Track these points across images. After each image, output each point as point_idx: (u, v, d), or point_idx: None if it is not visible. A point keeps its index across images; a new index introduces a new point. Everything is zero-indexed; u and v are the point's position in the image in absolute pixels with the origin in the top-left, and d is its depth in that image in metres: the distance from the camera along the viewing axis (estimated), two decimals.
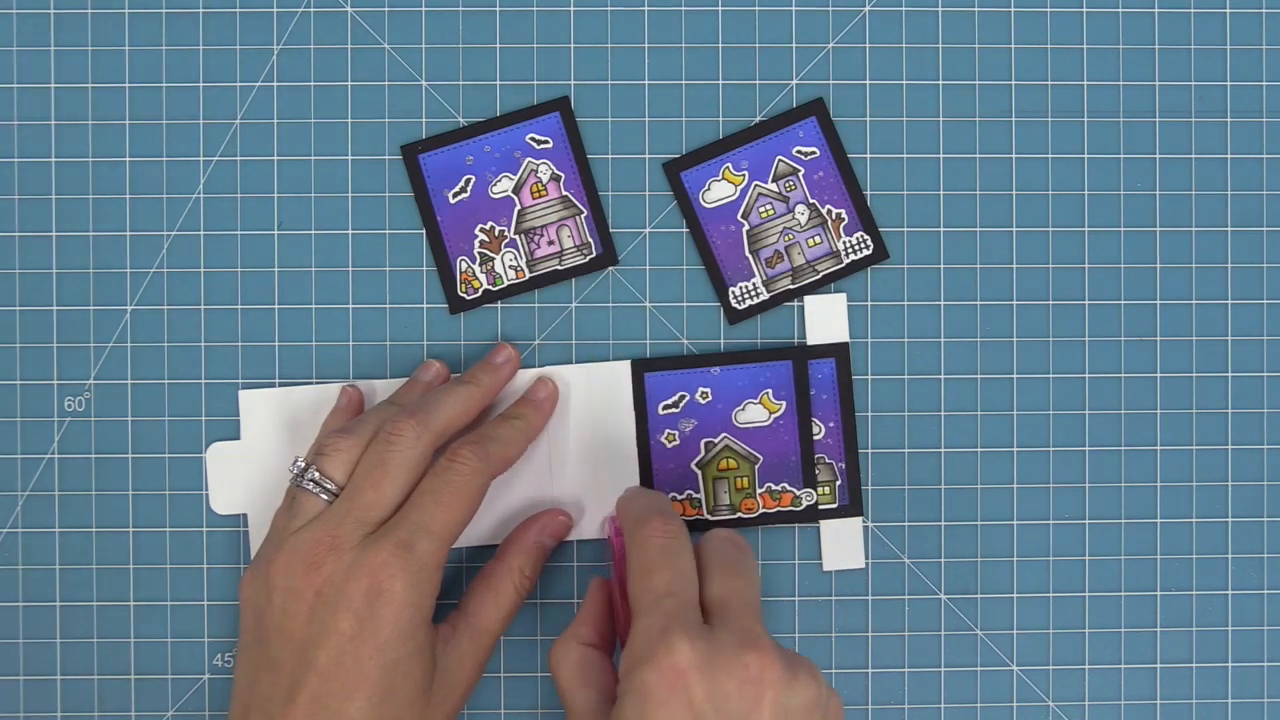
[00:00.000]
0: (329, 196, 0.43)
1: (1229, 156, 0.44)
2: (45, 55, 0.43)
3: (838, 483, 0.43)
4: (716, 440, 0.43)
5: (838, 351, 0.43)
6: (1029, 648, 0.43)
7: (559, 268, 0.43)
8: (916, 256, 0.43)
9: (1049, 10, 0.43)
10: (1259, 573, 0.43)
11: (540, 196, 0.43)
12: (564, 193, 0.43)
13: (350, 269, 0.43)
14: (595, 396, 0.43)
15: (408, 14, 0.43)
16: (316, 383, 0.43)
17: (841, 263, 0.43)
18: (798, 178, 0.43)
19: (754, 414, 0.43)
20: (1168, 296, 0.43)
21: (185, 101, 0.43)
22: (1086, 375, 0.43)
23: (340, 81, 0.43)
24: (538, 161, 0.43)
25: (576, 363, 0.43)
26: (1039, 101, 0.43)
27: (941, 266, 0.43)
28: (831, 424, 0.43)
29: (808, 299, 0.43)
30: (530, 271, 0.43)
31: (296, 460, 0.39)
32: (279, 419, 0.43)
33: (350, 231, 0.43)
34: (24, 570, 0.43)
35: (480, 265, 0.43)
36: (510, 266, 0.43)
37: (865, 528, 0.43)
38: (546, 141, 0.43)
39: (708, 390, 0.43)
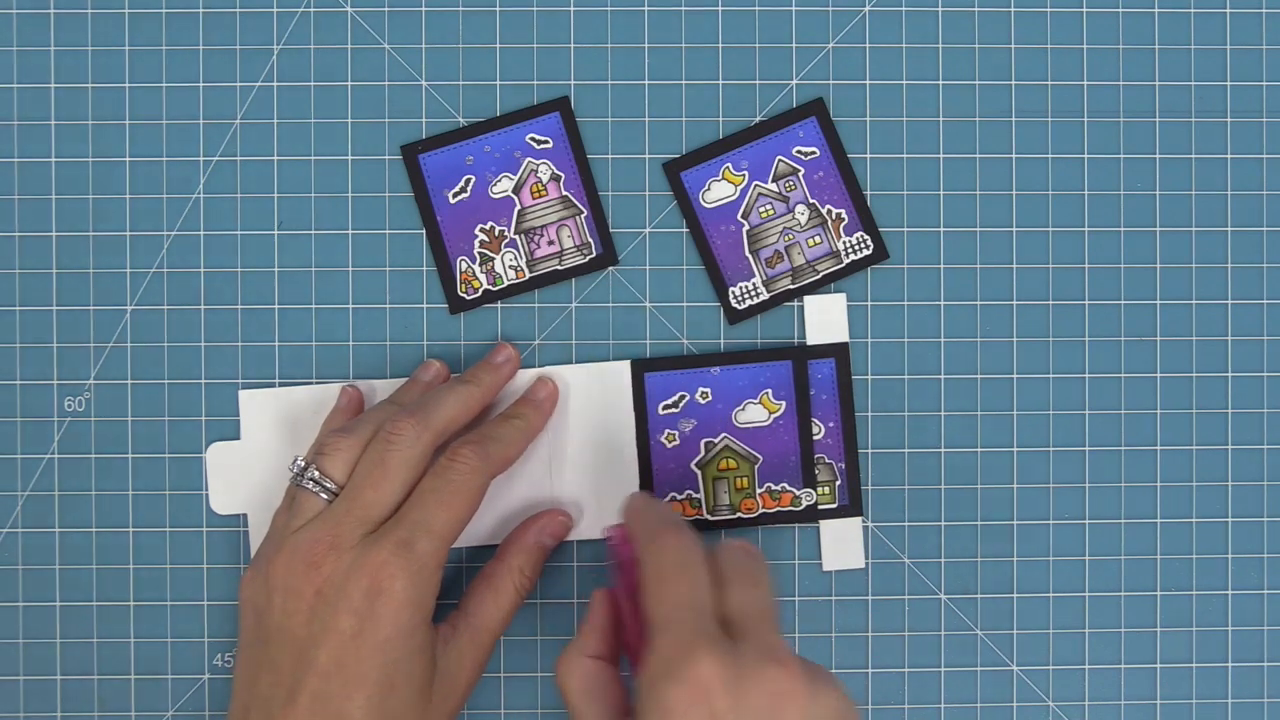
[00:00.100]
0: (329, 196, 0.43)
1: (1229, 156, 0.44)
2: (45, 55, 0.43)
3: (837, 483, 0.43)
4: (716, 440, 0.43)
5: (838, 351, 0.43)
6: (1029, 648, 0.43)
7: (559, 268, 0.43)
8: (916, 256, 0.43)
9: (1049, 10, 0.43)
10: (1259, 573, 0.43)
11: (540, 196, 0.43)
12: (564, 193, 0.43)
13: (350, 269, 0.43)
14: (595, 396, 0.43)
15: (408, 14, 0.43)
16: (316, 383, 0.43)
17: (841, 263, 0.43)
18: (798, 178, 0.43)
19: (754, 414, 0.43)
20: (1168, 296, 0.43)
21: (185, 101, 0.43)
22: (1086, 375, 0.43)
23: (340, 81, 0.43)
24: (538, 161, 0.43)
25: (576, 363, 0.43)
26: (1039, 101, 0.43)
27: (941, 266, 0.43)
28: (831, 424, 0.43)
29: (808, 299, 0.43)
30: (530, 271, 0.43)
31: (296, 459, 0.39)
32: (279, 419, 0.43)
33: (350, 231, 0.43)
34: (24, 570, 0.43)
35: (480, 265, 0.43)
36: (510, 266, 0.43)
37: (865, 528, 0.43)
38: (546, 141, 0.43)
39: (708, 390, 0.43)
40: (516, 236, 0.43)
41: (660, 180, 0.43)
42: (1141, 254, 0.43)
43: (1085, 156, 0.43)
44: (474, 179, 0.43)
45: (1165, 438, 0.43)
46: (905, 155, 0.43)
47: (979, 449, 0.43)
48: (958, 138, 0.43)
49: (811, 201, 0.43)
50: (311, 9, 0.43)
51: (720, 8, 0.43)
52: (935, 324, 0.43)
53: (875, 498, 0.43)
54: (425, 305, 0.43)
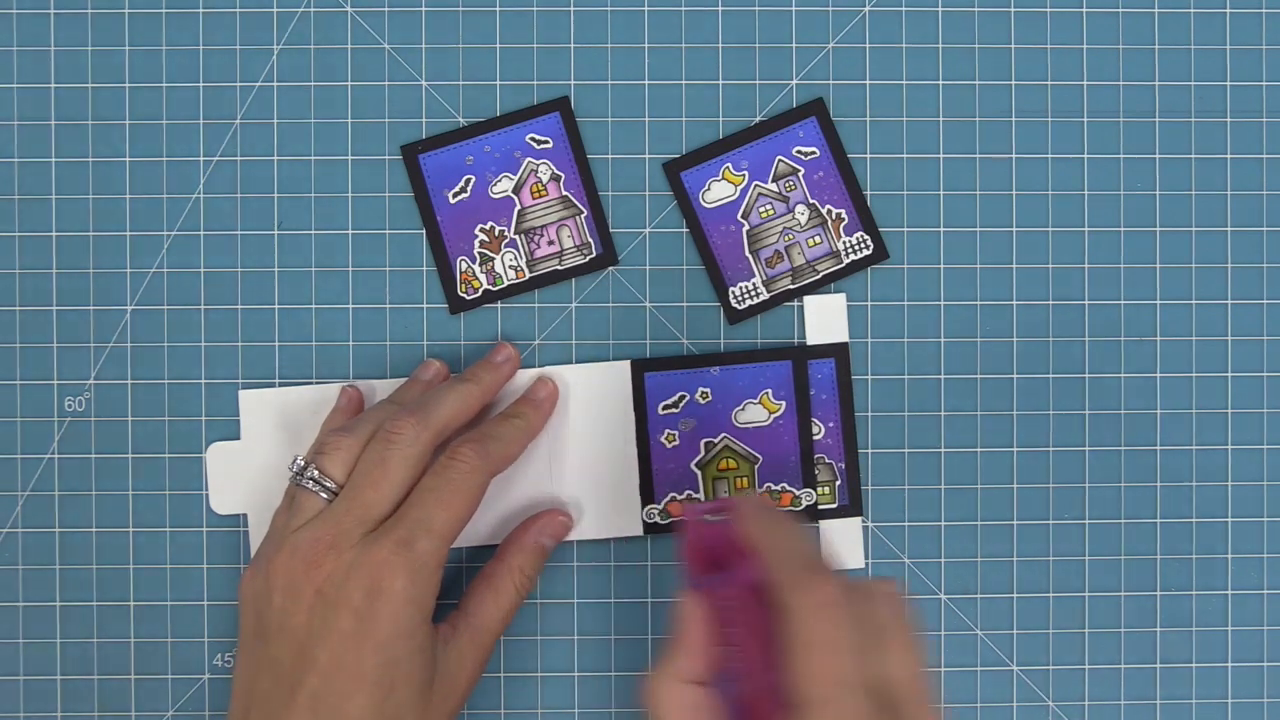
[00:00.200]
0: (329, 196, 0.43)
1: (1229, 156, 0.44)
2: (45, 55, 0.43)
3: (837, 483, 0.43)
4: (716, 440, 0.43)
5: (837, 351, 0.43)
6: (1029, 648, 0.43)
7: (559, 268, 0.43)
8: (916, 256, 0.43)
9: (1049, 10, 0.43)
10: (1259, 573, 0.43)
11: (540, 196, 0.43)
12: (564, 193, 0.43)
13: (350, 269, 0.43)
14: (595, 396, 0.43)
15: (408, 14, 0.43)
16: (316, 383, 0.43)
17: (841, 263, 0.43)
18: (798, 178, 0.43)
19: (754, 414, 0.43)
20: (1168, 296, 0.43)
21: (185, 101, 0.43)
22: (1086, 375, 0.43)
23: (340, 81, 0.43)
24: (538, 161, 0.43)
25: (576, 363, 0.43)
26: (1039, 101, 0.43)
27: (941, 266, 0.43)
28: (831, 424, 0.43)
29: (808, 299, 0.43)
30: (530, 271, 0.43)
31: (296, 459, 0.38)
32: (279, 419, 0.43)
33: (350, 231, 0.43)
34: (24, 570, 0.43)
35: (480, 265, 0.43)
36: (510, 266, 0.43)
37: (865, 528, 0.43)
38: (546, 141, 0.43)
39: (708, 390, 0.43)
40: (516, 236, 0.43)
41: (660, 180, 0.43)
42: (1141, 254, 0.43)
43: (1085, 156, 0.43)
44: (474, 179, 0.43)
45: (1165, 438, 0.43)
46: (905, 155, 0.43)
47: (979, 449, 0.43)
48: (958, 138, 0.43)
49: (811, 201, 0.43)
50: (311, 9, 0.43)
51: (720, 8, 0.43)
52: (935, 324, 0.43)
53: (875, 498, 0.43)
54: (425, 305, 0.43)
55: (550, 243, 0.43)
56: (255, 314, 0.43)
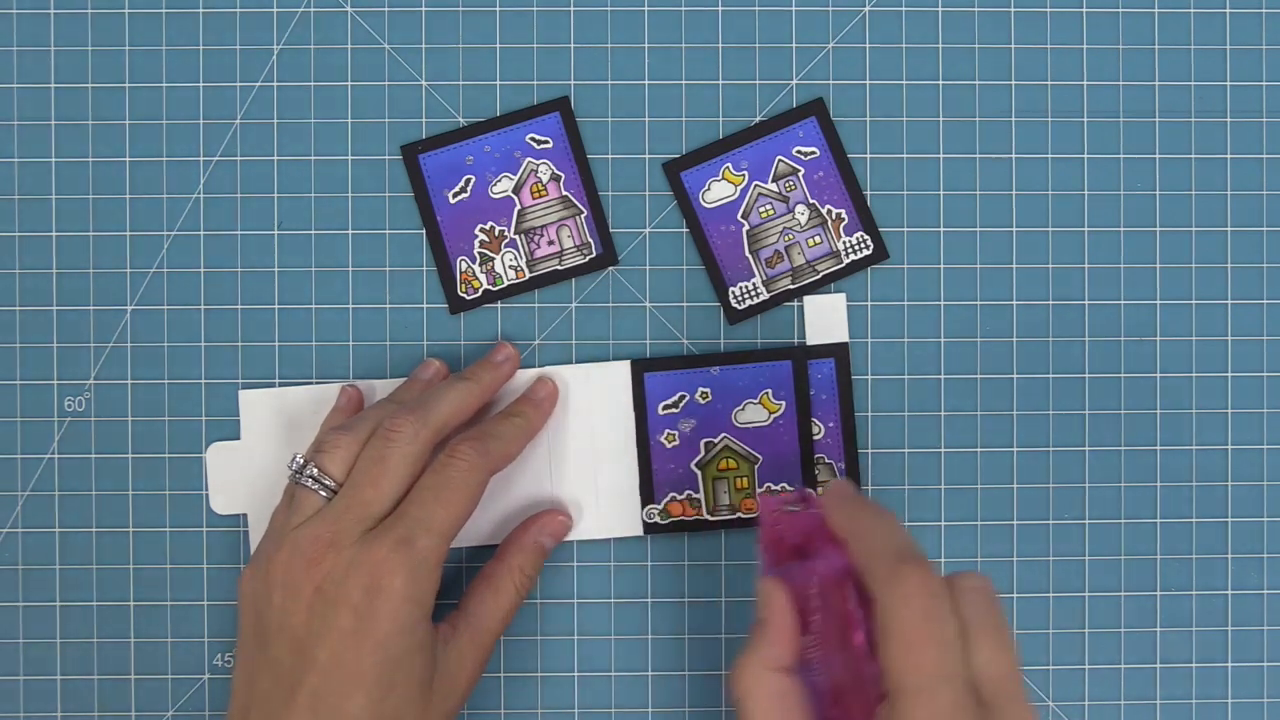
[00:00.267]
0: (329, 196, 0.43)
1: (1229, 156, 0.44)
2: (45, 55, 0.43)
3: None
4: (716, 440, 0.43)
5: (837, 351, 0.43)
6: (1029, 648, 0.43)
7: (559, 268, 0.43)
8: (916, 256, 0.43)
9: (1049, 10, 0.43)
10: (1259, 573, 0.43)
11: (540, 196, 0.43)
12: (564, 193, 0.43)
13: (350, 269, 0.43)
14: (595, 396, 0.43)
15: (408, 14, 0.43)
16: (316, 383, 0.43)
17: (841, 263, 0.43)
18: (798, 178, 0.43)
19: (754, 414, 0.43)
20: (1168, 296, 0.43)
21: (185, 101, 0.43)
22: (1086, 375, 0.43)
23: (340, 81, 0.43)
24: (538, 161, 0.43)
25: (576, 363, 0.43)
26: (1039, 101, 0.43)
27: (941, 266, 0.43)
28: (831, 424, 0.43)
29: (807, 299, 0.43)
30: (530, 271, 0.43)
31: (295, 457, 0.38)
32: (279, 419, 0.43)
33: (350, 231, 0.43)
34: (24, 570, 0.43)
35: (480, 265, 0.43)
36: (510, 266, 0.43)
37: None
38: (546, 141, 0.43)
39: (708, 390, 0.43)
40: (516, 236, 0.43)
41: (660, 180, 0.43)
42: (1141, 254, 0.43)
43: (1085, 156, 0.43)
44: (474, 179, 0.43)
45: (1165, 438, 0.43)
46: (905, 155, 0.43)
47: (979, 449, 0.43)
48: (958, 138, 0.43)
49: (811, 201, 0.43)
50: (311, 9, 0.43)
51: (720, 8, 0.43)
52: (935, 324, 0.43)
53: (875, 497, 0.43)
54: (425, 305, 0.43)
55: (550, 243, 0.43)
56: (255, 314, 0.43)
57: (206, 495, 0.43)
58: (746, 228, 0.43)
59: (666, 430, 0.43)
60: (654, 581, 0.43)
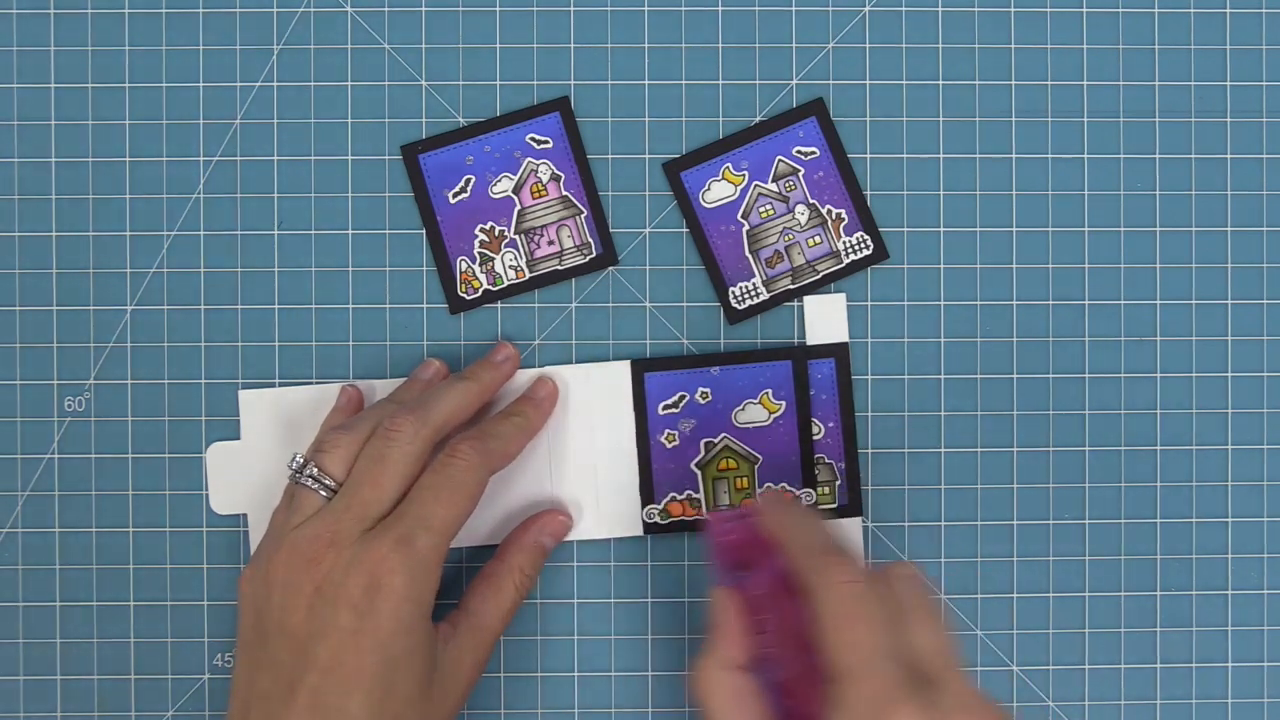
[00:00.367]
0: (329, 196, 0.43)
1: (1229, 156, 0.44)
2: (45, 55, 0.43)
3: (837, 483, 0.43)
4: (716, 440, 0.43)
5: (837, 351, 0.43)
6: (1029, 648, 0.43)
7: (559, 268, 0.43)
8: (916, 256, 0.43)
9: (1049, 10, 0.43)
10: (1259, 573, 0.43)
11: (540, 196, 0.43)
12: (564, 193, 0.43)
13: (350, 269, 0.43)
14: (595, 396, 0.43)
15: (408, 14, 0.43)
16: (316, 383, 0.43)
17: (841, 263, 0.43)
18: (798, 178, 0.43)
19: (754, 414, 0.43)
20: (1168, 296, 0.43)
21: (185, 101, 0.43)
22: (1086, 375, 0.43)
23: (340, 81, 0.43)
24: (538, 161, 0.43)
25: (576, 363, 0.43)
26: (1039, 101, 0.43)
27: (941, 266, 0.43)
28: (831, 424, 0.43)
29: (807, 299, 0.43)
30: (530, 271, 0.43)
31: (295, 456, 0.38)
32: (279, 419, 0.43)
33: (350, 231, 0.43)
34: (24, 570, 0.43)
35: (480, 265, 0.43)
36: (510, 266, 0.43)
37: (865, 528, 0.43)
38: (546, 141, 0.43)
39: (708, 390, 0.43)
40: (516, 236, 0.43)
41: (660, 180, 0.43)
42: (1141, 254, 0.43)
43: (1085, 156, 0.43)
44: (474, 179, 0.43)
45: (1165, 438, 0.43)
46: (905, 155, 0.43)
47: (979, 449, 0.43)
48: (958, 138, 0.43)
49: (811, 201, 0.43)
50: (311, 9, 0.43)
51: (720, 8, 0.43)
52: (935, 324, 0.43)
53: (875, 498, 0.43)
54: (425, 305, 0.43)
55: (550, 243, 0.43)
56: (255, 314, 0.43)
57: (206, 495, 0.43)
58: (746, 228, 0.43)
59: (666, 430, 0.43)
60: (654, 581, 0.43)
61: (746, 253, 0.43)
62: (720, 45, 0.43)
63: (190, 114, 0.43)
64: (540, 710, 0.43)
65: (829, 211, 0.43)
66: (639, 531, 0.43)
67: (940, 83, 0.43)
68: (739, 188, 0.43)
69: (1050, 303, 0.43)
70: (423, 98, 0.43)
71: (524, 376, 0.43)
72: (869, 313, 0.43)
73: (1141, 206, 0.44)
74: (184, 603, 0.43)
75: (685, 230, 0.43)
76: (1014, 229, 0.43)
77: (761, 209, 0.43)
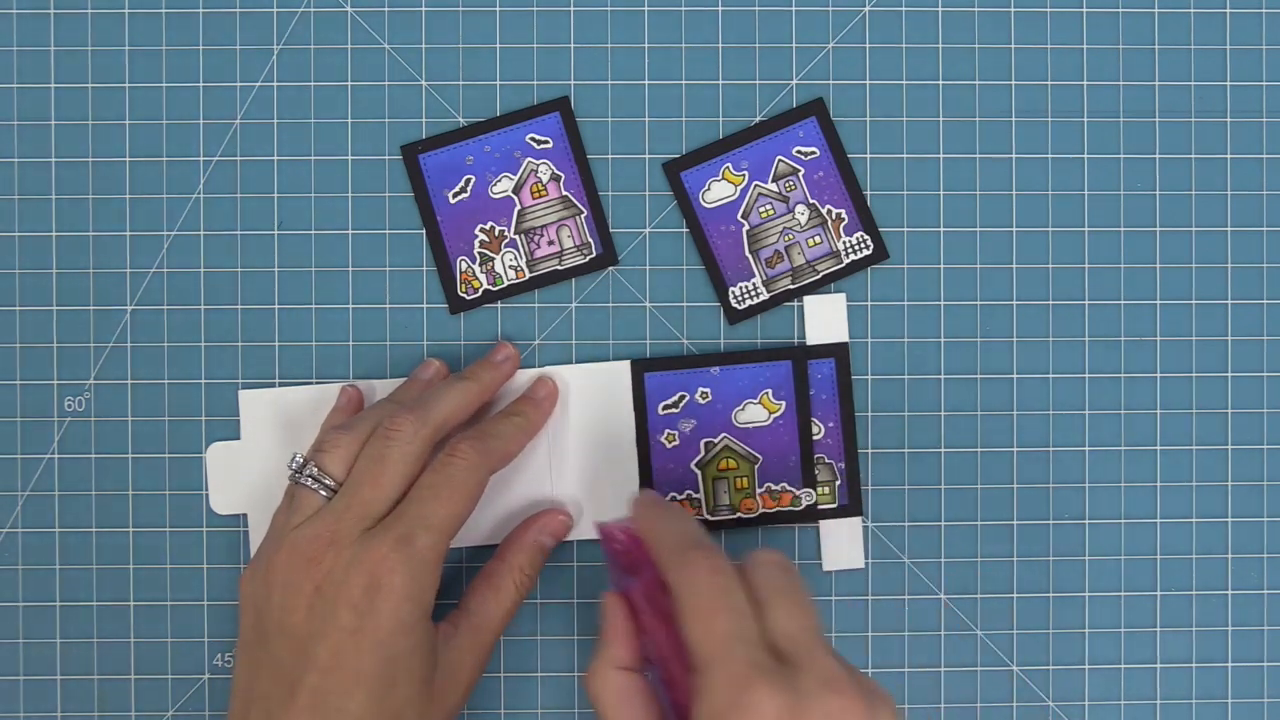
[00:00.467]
0: (329, 196, 0.43)
1: (1229, 156, 0.44)
2: (45, 55, 0.43)
3: (837, 483, 0.43)
4: (716, 440, 0.43)
5: (837, 351, 0.43)
6: (1029, 648, 0.43)
7: (559, 268, 0.43)
8: (916, 256, 0.43)
9: (1049, 10, 0.43)
10: (1259, 573, 0.43)
11: (540, 196, 0.43)
12: (564, 193, 0.43)
13: (350, 269, 0.43)
14: (595, 396, 0.43)
15: (408, 14, 0.43)
16: (316, 383, 0.43)
17: (841, 263, 0.43)
18: (798, 178, 0.43)
19: (754, 414, 0.43)
20: (1168, 296, 0.43)
21: (185, 101, 0.43)
22: (1086, 375, 0.43)
23: (340, 81, 0.43)
24: (538, 161, 0.43)
25: (576, 363, 0.43)
26: (1039, 101, 0.43)
27: (941, 266, 0.43)
28: (831, 424, 0.43)
29: (807, 299, 0.43)
30: (530, 271, 0.43)
31: (295, 456, 0.38)
32: (279, 419, 0.43)
33: (350, 231, 0.43)
34: (24, 570, 0.43)
35: (480, 265, 0.43)
36: (510, 266, 0.43)
37: (865, 528, 0.43)
38: (546, 141, 0.43)
39: (708, 390, 0.43)
40: (516, 236, 0.43)
41: (660, 180, 0.43)
42: (1141, 254, 0.43)
43: (1085, 156, 0.43)
44: (474, 179, 0.43)
45: (1165, 438, 0.43)
46: (905, 155, 0.43)
47: (979, 449, 0.43)
48: (958, 138, 0.43)
49: (811, 201, 0.43)
50: (311, 9, 0.43)
51: (720, 8, 0.43)
52: (935, 324, 0.43)
53: (875, 498, 0.43)
54: (425, 305, 0.43)
55: (550, 243, 0.43)
56: (255, 314, 0.43)
57: (206, 495, 0.43)
58: (746, 228, 0.43)
59: (666, 430, 0.43)
60: None
61: (746, 253, 0.43)
62: (720, 45, 0.43)
63: (190, 114, 0.43)
64: (540, 710, 0.43)
65: (829, 211, 0.43)
66: None
67: (940, 83, 0.43)
68: (739, 188, 0.43)
69: (1050, 303, 0.43)
70: (423, 98, 0.43)
71: (524, 376, 0.43)
72: (869, 313, 0.43)
73: (1141, 206, 0.44)
74: (184, 603, 0.43)
75: (685, 230, 0.43)
76: (1014, 229, 0.43)
77: (761, 209, 0.43)
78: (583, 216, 0.43)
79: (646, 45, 0.43)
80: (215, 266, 0.43)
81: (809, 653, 0.32)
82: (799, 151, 0.43)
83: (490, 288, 0.43)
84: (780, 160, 0.43)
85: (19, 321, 0.43)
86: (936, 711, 0.43)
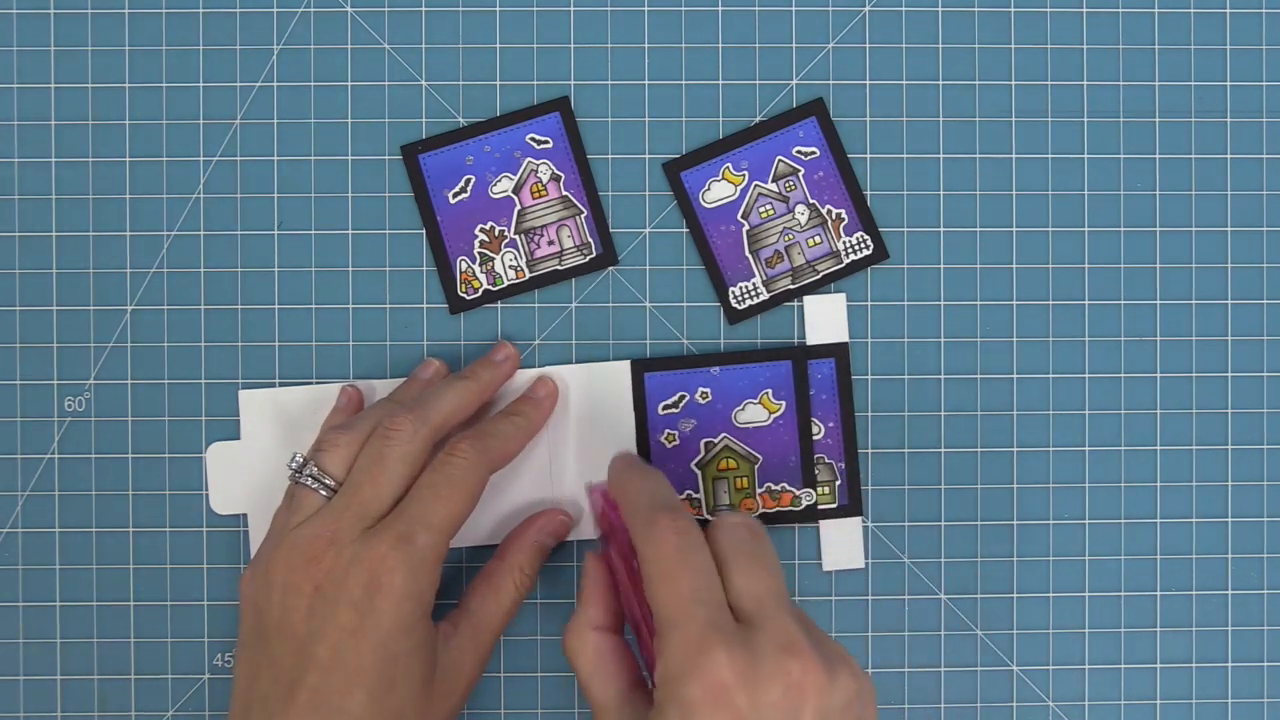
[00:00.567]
0: (329, 196, 0.43)
1: (1229, 156, 0.44)
2: (45, 55, 0.43)
3: (837, 483, 0.43)
4: (716, 440, 0.43)
5: (837, 351, 0.43)
6: (1029, 648, 0.43)
7: (559, 268, 0.43)
8: (916, 256, 0.43)
9: (1049, 10, 0.43)
10: (1259, 573, 0.43)
11: (540, 196, 0.43)
12: (564, 193, 0.43)
13: (350, 269, 0.43)
14: (595, 396, 0.43)
15: (408, 14, 0.43)
16: (316, 383, 0.43)
17: (841, 263, 0.43)
18: (798, 178, 0.43)
19: (754, 414, 0.43)
20: (1168, 296, 0.43)
21: (185, 101, 0.43)
22: (1086, 375, 0.43)
23: (340, 81, 0.43)
24: (538, 161, 0.43)
25: (576, 363, 0.43)
26: (1039, 101, 0.43)
27: (941, 266, 0.43)
28: (831, 424, 0.43)
29: (807, 299, 0.43)
30: (530, 271, 0.43)
31: (295, 456, 0.38)
32: (279, 419, 0.43)
33: (350, 231, 0.43)
34: (24, 570, 0.43)
35: (480, 265, 0.43)
36: (510, 266, 0.43)
37: (865, 528, 0.43)
38: (546, 141, 0.43)
39: (708, 390, 0.43)
40: (516, 236, 0.43)
41: (660, 180, 0.43)
42: (1141, 254, 0.43)
43: (1085, 156, 0.43)
44: (474, 179, 0.43)
45: (1165, 438, 0.43)
46: (905, 155, 0.43)
47: (979, 449, 0.43)
48: (958, 138, 0.43)
49: (811, 201, 0.43)
50: (311, 9, 0.43)
51: (720, 8, 0.43)
52: (935, 324, 0.43)
53: (875, 498, 0.43)
54: (425, 305, 0.43)
55: (550, 243, 0.43)
56: (255, 314, 0.43)
57: (206, 495, 0.43)
58: (746, 228, 0.43)
59: (666, 430, 0.43)
60: None
61: (746, 253, 0.43)
62: (720, 45, 0.43)
63: (190, 114, 0.43)
64: (540, 710, 0.43)
65: (829, 211, 0.43)
66: None
67: (940, 83, 0.43)
68: (739, 188, 0.43)
69: (1050, 303, 0.43)
70: (423, 98, 0.43)
71: (524, 376, 0.43)
72: (869, 313, 0.43)
73: (1141, 206, 0.44)
74: (184, 603, 0.43)
75: (685, 230, 0.43)
76: (1014, 229, 0.43)
77: (761, 209, 0.43)
78: (583, 216, 0.43)
79: (646, 45, 0.43)
80: (215, 266, 0.43)
81: (770, 614, 0.32)
82: (799, 151, 0.43)
83: (490, 288, 0.43)
84: (780, 160, 0.43)
85: (19, 321, 0.43)
86: (936, 711, 0.43)
